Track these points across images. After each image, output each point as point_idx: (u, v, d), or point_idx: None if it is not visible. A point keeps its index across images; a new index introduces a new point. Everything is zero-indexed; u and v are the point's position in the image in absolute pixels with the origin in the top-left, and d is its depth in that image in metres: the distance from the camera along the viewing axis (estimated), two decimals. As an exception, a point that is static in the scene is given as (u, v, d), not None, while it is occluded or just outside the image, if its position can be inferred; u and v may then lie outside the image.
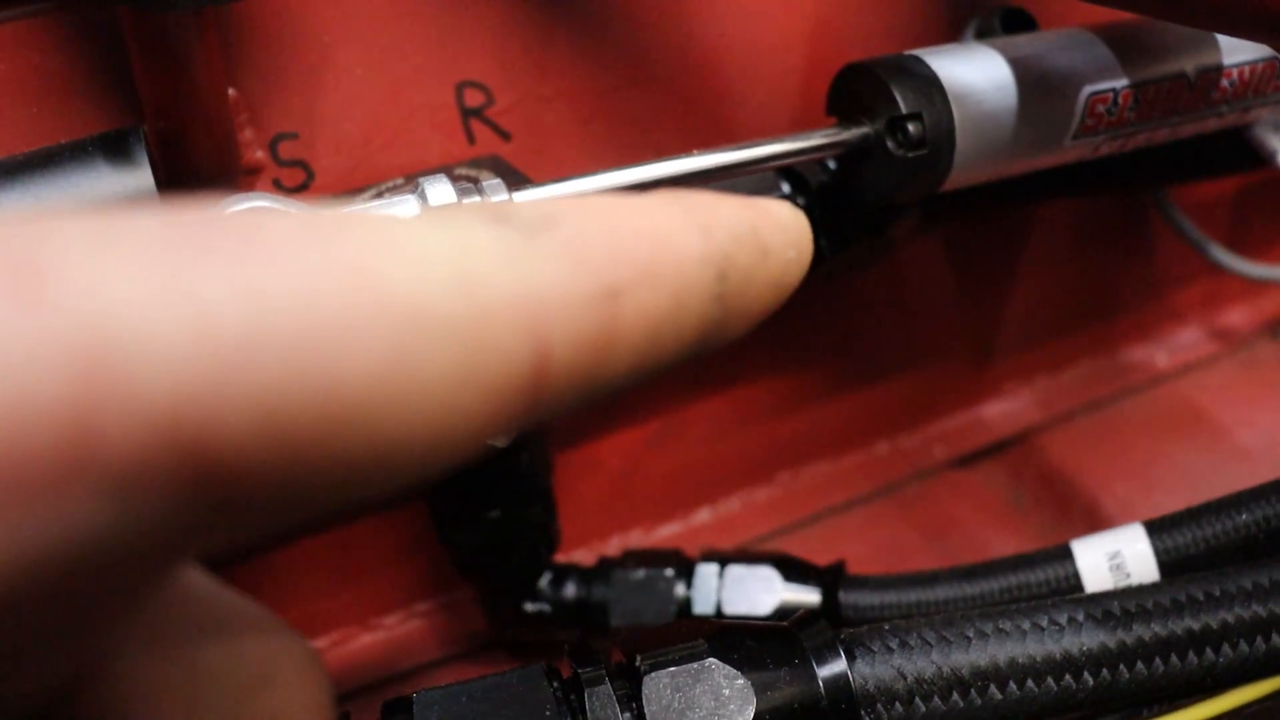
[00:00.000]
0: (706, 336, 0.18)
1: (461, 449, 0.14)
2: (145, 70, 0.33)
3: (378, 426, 0.13)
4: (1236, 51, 0.44)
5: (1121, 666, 0.32)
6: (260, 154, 0.40)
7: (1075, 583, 0.41)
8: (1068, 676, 0.32)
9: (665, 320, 0.17)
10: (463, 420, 0.14)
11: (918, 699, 0.32)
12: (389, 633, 0.52)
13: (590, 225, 0.16)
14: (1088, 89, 0.41)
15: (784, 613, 0.45)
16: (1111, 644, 0.33)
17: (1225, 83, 0.44)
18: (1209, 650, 0.33)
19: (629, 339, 0.16)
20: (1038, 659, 0.32)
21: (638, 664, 0.31)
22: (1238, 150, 0.52)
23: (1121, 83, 0.41)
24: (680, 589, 0.46)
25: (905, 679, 0.32)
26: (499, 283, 0.14)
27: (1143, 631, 0.33)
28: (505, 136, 0.44)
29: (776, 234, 0.19)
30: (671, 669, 0.31)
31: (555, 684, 0.32)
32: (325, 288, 0.13)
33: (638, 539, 0.56)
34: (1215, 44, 0.43)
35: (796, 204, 0.45)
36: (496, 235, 0.15)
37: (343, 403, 0.12)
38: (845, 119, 0.41)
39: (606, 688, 0.31)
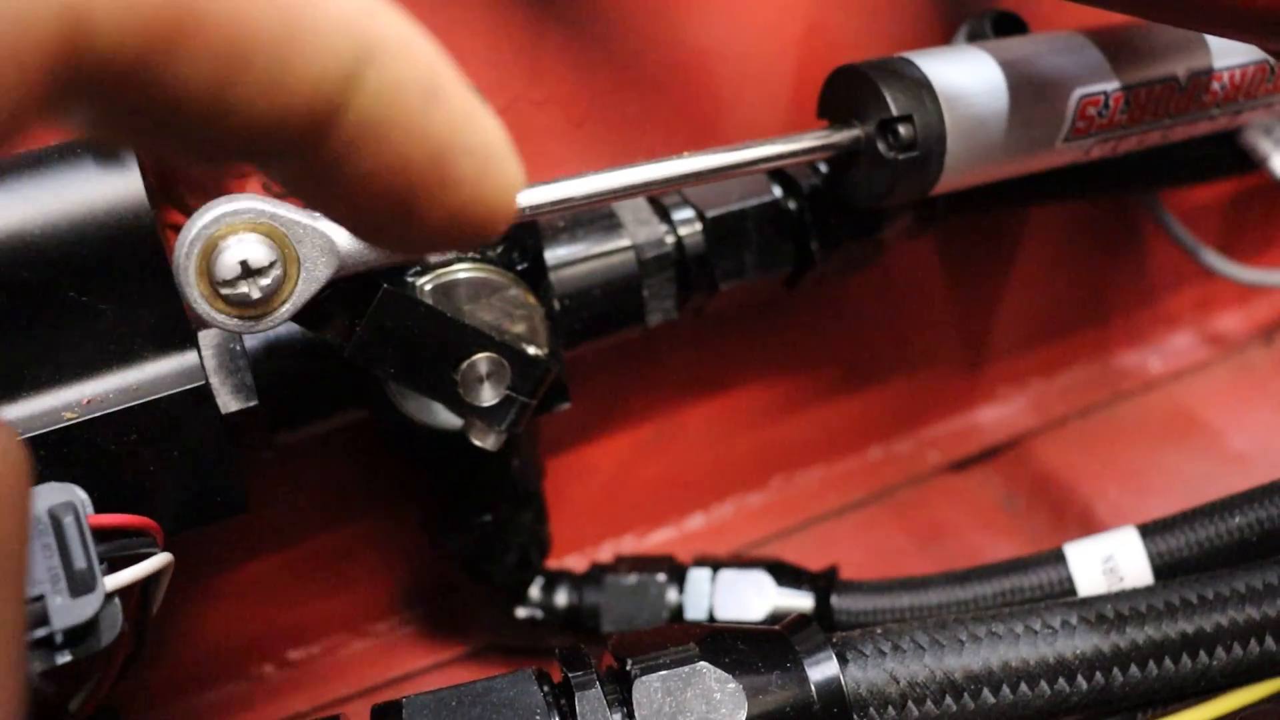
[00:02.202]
0: (319, 115, 0.15)
1: None
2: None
3: None
4: (1227, 54, 0.44)
5: (1115, 670, 0.32)
6: (250, 157, 0.40)
7: (1068, 586, 0.41)
8: (1061, 680, 0.32)
9: (261, 43, 0.14)
10: None
11: (910, 703, 0.32)
12: (380, 639, 0.51)
13: None
14: (1079, 91, 0.41)
15: (776, 618, 0.45)
16: (1105, 647, 0.32)
17: (1216, 85, 0.44)
18: (1203, 653, 0.33)
19: (204, 41, 0.14)
20: (1031, 662, 0.32)
21: (628, 667, 0.31)
22: (1230, 154, 0.52)
23: (1112, 85, 0.41)
24: (673, 594, 0.46)
25: (898, 682, 0.32)
26: None
27: (1136, 634, 0.33)
28: (496, 140, 0.44)
29: (457, 84, 0.16)
30: (663, 673, 0.31)
31: (546, 688, 0.32)
32: None
33: (630, 545, 0.55)
34: (1206, 47, 0.43)
35: (788, 207, 0.45)
36: None
37: None
38: (836, 121, 0.41)
39: (597, 691, 0.31)
